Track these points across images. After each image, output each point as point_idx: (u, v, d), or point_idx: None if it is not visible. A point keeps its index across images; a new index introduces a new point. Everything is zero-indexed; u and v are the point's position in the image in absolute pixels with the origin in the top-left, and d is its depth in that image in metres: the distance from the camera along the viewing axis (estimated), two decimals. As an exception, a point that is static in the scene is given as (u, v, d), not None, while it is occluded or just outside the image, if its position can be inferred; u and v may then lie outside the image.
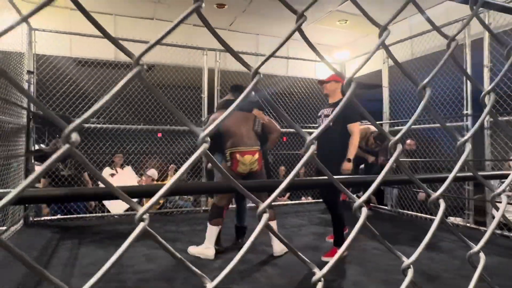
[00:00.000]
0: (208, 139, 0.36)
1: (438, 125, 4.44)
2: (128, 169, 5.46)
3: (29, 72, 4.10)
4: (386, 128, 5.24)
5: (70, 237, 3.56)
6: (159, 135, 5.64)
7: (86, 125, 4.62)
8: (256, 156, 3.02)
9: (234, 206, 3.53)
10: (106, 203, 4.75)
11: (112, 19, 5.35)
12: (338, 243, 2.98)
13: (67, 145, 0.24)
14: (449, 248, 3.20)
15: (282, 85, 5.76)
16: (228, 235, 3.37)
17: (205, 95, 5.02)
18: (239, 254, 0.34)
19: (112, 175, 5.22)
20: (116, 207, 4.78)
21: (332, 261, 0.36)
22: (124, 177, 5.19)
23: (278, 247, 3.02)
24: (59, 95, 4.49)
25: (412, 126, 4.80)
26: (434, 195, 0.40)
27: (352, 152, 2.92)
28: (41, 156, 4.03)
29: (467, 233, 3.68)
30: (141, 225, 0.29)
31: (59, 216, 4.41)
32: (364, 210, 0.39)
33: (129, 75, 0.27)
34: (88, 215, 4.59)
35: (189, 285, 2.37)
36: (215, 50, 5.00)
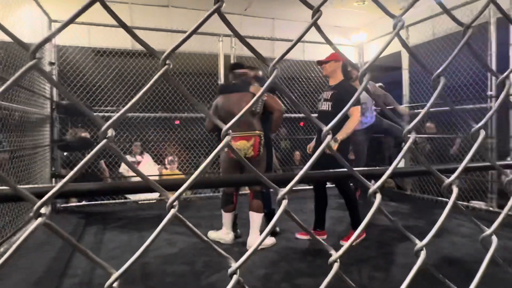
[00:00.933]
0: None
1: (458, 107, 4.32)
2: (147, 156, 5.58)
3: (50, 63, 4.21)
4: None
5: (95, 223, 3.70)
6: (177, 122, 5.72)
7: (106, 115, 4.73)
8: (252, 141, 2.82)
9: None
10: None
11: (128, 7, 5.39)
12: (355, 225, 2.99)
13: (104, 140, 0.26)
14: (470, 233, 3.16)
15: (299, 69, 5.70)
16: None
17: (221, 81, 5.03)
18: (260, 238, 0.36)
19: (133, 163, 5.36)
20: (137, 194, 4.92)
21: (347, 243, 0.38)
22: (145, 165, 5.31)
23: (252, 242, 2.85)
24: (80, 85, 4.60)
25: (432, 109, 4.70)
26: (447, 181, 0.41)
27: (343, 133, 2.75)
28: (64, 146, 4.17)
29: (490, 217, 3.61)
30: (172, 211, 0.31)
31: (84, 203, 4.57)
32: (378, 196, 0.40)
33: (158, 74, 0.29)
34: (111, 201, 4.75)
35: (210, 268, 2.44)
36: (231, 36, 4.97)
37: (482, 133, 0.43)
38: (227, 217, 3.05)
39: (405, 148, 0.43)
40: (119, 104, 4.82)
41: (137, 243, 3.03)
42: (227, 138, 0.36)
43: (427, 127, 4.98)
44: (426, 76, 4.71)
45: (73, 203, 4.59)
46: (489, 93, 3.91)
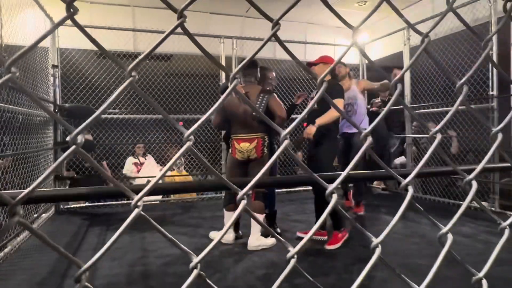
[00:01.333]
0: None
1: (460, 107, 4.30)
2: (150, 158, 5.61)
3: (53, 66, 4.26)
4: (407, 111, 5.14)
5: (98, 224, 3.74)
6: (181, 124, 5.75)
7: (109, 116, 4.78)
8: (254, 143, 2.90)
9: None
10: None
11: (131, 10, 5.45)
12: (336, 226, 3.00)
13: (74, 146, 0.29)
14: (472, 232, 3.16)
15: (300, 70, 5.72)
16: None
17: (222, 82, 5.06)
18: (220, 233, 0.38)
19: (136, 164, 5.39)
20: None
21: (304, 239, 0.40)
22: (148, 166, 5.35)
23: (253, 242, 2.88)
24: (83, 87, 4.66)
25: (435, 110, 4.69)
26: (403, 183, 0.43)
27: (322, 119, 2.82)
28: (68, 148, 4.22)
29: (491, 218, 3.60)
30: (136, 211, 0.34)
31: (87, 204, 4.62)
32: (335, 196, 0.42)
33: (123, 85, 0.31)
34: (114, 202, 4.79)
35: (210, 269, 2.46)
36: (232, 37, 5.01)
37: (439, 136, 0.45)
38: (228, 217, 3.07)
39: (361, 149, 0.45)
40: (122, 106, 4.87)
41: (139, 244, 3.06)
42: (188, 143, 0.38)
43: (429, 126, 4.98)
44: (427, 76, 4.70)
45: (77, 204, 4.64)
46: (490, 93, 3.90)
